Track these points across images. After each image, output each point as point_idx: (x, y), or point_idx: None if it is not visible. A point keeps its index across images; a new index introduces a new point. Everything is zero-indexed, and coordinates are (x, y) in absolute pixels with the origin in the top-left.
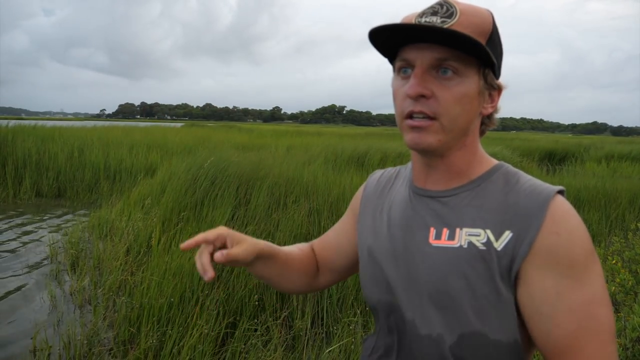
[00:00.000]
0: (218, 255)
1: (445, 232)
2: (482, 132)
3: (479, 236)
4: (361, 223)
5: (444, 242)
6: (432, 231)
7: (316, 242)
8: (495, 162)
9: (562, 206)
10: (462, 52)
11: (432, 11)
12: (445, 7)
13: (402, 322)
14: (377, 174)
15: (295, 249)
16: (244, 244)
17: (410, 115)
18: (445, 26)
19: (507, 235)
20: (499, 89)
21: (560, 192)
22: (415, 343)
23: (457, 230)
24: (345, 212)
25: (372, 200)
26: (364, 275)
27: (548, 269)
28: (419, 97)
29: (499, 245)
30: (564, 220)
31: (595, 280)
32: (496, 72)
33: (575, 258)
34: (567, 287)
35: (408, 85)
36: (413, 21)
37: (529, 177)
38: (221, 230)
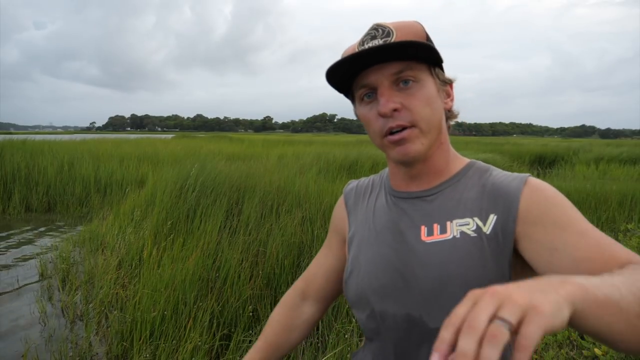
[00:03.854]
0: None
1: (437, 227)
2: (448, 128)
3: (468, 225)
4: (354, 239)
5: (437, 237)
6: (424, 229)
7: (303, 276)
8: (467, 160)
9: (538, 180)
10: (413, 60)
11: (371, 36)
12: (380, 30)
13: (406, 322)
14: (353, 184)
15: (277, 326)
16: None
17: (389, 133)
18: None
19: (492, 218)
20: (450, 83)
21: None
22: (422, 338)
23: (448, 223)
24: (328, 234)
25: (357, 212)
26: (355, 288)
27: (542, 219)
28: (392, 112)
29: (487, 229)
30: (543, 187)
31: (588, 223)
32: (443, 69)
33: (563, 204)
34: (567, 222)
35: (379, 105)
36: (357, 50)
37: (500, 170)
38: None
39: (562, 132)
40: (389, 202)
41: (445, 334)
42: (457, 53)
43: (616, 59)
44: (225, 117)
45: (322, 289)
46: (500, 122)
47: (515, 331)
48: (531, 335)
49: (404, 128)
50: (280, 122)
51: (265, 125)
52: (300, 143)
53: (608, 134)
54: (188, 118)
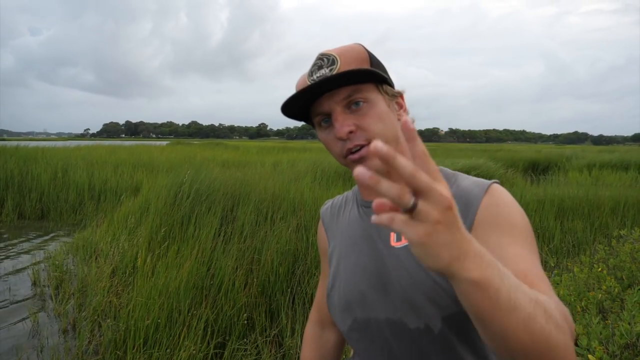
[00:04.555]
0: None
1: None
2: None
3: None
4: (333, 254)
5: (404, 241)
6: (393, 235)
7: (314, 307)
8: None
9: (499, 188)
10: (359, 83)
11: (318, 66)
12: (325, 59)
13: (388, 326)
14: (328, 203)
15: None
16: None
17: (348, 153)
18: (335, 72)
19: None
20: (400, 95)
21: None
22: (405, 340)
23: None
24: (320, 261)
25: (333, 228)
26: (337, 300)
27: (490, 231)
28: (349, 135)
29: None
30: (502, 195)
31: (535, 249)
32: (391, 84)
33: (516, 223)
34: (511, 241)
35: (335, 130)
36: (307, 82)
37: (466, 175)
38: None
39: (555, 138)
40: (360, 213)
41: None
42: (451, 60)
43: (608, 66)
44: (220, 124)
45: None
46: (494, 129)
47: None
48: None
49: (362, 147)
50: (275, 129)
51: (260, 132)
52: (295, 150)
53: (600, 140)
54: (183, 125)
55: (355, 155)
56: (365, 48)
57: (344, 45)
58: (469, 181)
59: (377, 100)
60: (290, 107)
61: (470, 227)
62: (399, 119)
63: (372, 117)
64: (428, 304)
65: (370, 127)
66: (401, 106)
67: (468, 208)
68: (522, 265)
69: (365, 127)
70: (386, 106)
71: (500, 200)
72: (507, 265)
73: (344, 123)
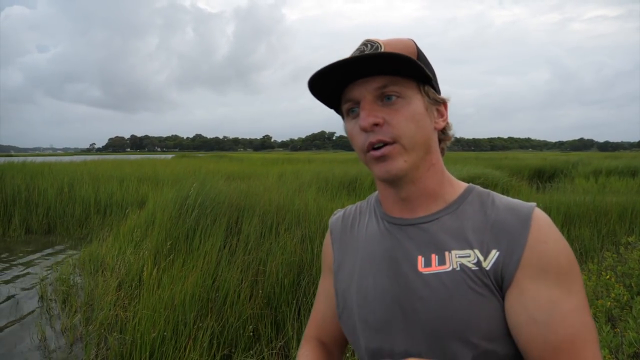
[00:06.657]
0: None
1: (435, 257)
2: (442, 150)
3: (469, 257)
4: (341, 270)
5: (435, 268)
6: (420, 259)
7: (312, 328)
8: (465, 184)
9: (544, 218)
10: (399, 75)
11: (360, 51)
12: (369, 45)
13: None
14: (339, 213)
15: None
16: None
17: (371, 148)
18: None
19: (494, 254)
20: (444, 103)
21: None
22: None
23: (447, 254)
24: (322, 274)
25: (345, 243)
26: (350, 323)
27: (540, 278)
28: (373, 127)
29: (487, 264)
30: (549, 229)
31: (581, 287)
32: (435, 88)
33: (563, 265)
34: (559, 295)
35: (360, 119)
36: None
37: (501, 195)
38: None
39: (560, 145)
40: (381, 229)
41: None
42: (456, 69)
43: (614, 72)
44: (225, 137)
45: (337, 329)
46: (498, 137)
47: None
48: None
49: (385, 144)
50: (279, 140)
51: (264, 144)
52: (300, 161)
53: (607, 146)
54: (187, 138)
55: (377, 153)
56: (415, 44)
57: (394, 37)
58: (506, 204)
59: (414, 99)
60: (321, 86)
61: (515, 268)
62: (436, 128)
63: (403, 115)
64: (457, 340)
65: (399, 124)
66: (442, 115)
67: (513, 245)
68: (570, 330)
69: (393, 123)
70: (423, 108)
71: (548, 237)
72: (558, 330)
73: (370, 113)
